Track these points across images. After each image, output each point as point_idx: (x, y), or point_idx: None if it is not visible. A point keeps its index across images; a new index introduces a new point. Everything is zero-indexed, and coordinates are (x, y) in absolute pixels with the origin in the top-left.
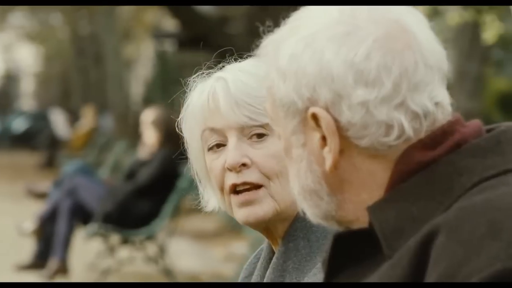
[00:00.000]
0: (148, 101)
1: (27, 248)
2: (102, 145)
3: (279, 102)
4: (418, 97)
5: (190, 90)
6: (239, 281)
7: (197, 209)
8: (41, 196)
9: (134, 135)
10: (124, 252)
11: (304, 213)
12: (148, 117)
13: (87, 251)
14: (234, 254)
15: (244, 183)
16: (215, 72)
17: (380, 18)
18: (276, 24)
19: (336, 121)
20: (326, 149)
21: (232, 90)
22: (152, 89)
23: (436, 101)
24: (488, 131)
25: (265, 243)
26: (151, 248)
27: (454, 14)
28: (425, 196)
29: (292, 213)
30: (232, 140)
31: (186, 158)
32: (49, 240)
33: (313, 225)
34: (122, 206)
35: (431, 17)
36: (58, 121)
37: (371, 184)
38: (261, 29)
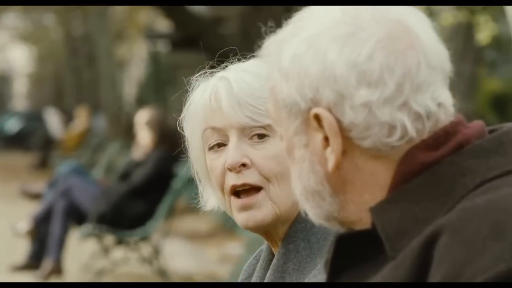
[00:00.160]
0: (141, 101)
1: (22, 248)
2: (95, 145)
3: (282, 102)
4: (421, 97)
5: (192, 89)
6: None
7: (191, 210)
8: (35, 196)
9: (127, 136)
10: (118, 253)
11: (306, 214)
12: (142, 117)
13: (81, 252)
14: (229, 255)
15: (244, 184)
16: (217, 71)
17: (382, 19)
18: (269, 25)
19: (338, 121)
20: (329, 149)
21: (235, 90)
22: (145, 89)
23: (439, 102)
24: (491, 132)
25: (264, 244)
26: (146, 249)
27: (448, 15)
28: (428, 197)
29: (292, 215)
30: (233, 140)
31: (181, 158)
32: (43, 240)
33: (314, 226)
34: (117, 206)
35: None
36: (52, 121)
37: (373, 185)
38: (254, 30)
